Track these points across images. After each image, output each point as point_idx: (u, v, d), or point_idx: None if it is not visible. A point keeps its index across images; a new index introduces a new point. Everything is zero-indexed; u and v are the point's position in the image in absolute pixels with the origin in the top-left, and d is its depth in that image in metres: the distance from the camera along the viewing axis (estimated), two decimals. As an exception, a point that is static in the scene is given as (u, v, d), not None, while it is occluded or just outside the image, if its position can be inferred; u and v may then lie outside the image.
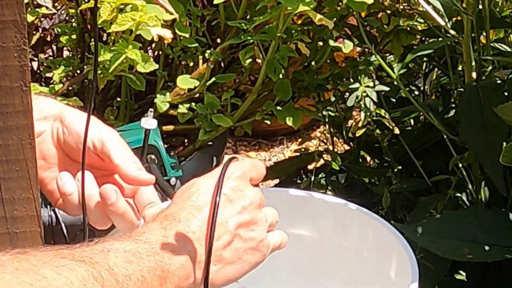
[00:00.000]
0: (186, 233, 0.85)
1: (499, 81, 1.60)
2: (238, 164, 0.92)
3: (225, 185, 0.89)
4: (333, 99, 1.70)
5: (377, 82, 1.52)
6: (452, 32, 1.51)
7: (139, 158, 1.09)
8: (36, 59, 1.77)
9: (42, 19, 1.74)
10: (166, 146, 1.52)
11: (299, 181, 1.77)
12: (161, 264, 0.82)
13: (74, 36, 1.66)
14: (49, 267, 0.75)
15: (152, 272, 0.80)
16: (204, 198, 0.88)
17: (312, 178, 1.70)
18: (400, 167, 1.67)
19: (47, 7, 1.56)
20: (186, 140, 1.64)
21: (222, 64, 1.72)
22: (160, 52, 1.65)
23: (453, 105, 1.75)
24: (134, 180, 0.96)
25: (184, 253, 0.84)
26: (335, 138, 1.85)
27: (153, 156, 1.31)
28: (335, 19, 1.54)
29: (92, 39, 1.62)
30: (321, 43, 1.65)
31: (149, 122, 1.17)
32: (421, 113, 1.70)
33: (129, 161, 0.97)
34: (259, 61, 1.56)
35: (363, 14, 1.64)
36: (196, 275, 0.85)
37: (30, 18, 1.59)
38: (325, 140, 1.84)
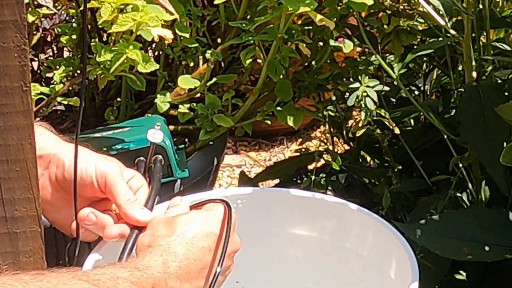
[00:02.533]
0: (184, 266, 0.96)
1: (499, 81, 1.60)
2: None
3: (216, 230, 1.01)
4: (333, 98, 1.70)
5: (377, 82, 1.52)
6: (452, 32, 1.51)
7: (143, 166, 1.15)
8: (36, 59, 1.77)
9: (43, 19, 1.74)
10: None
11: (299, 181, 1.77)
12: None
13: (74, 36, 1.66)
14: None
15: None
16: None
17: (312, 178, 1.70)
18: (400, 167, 1.67)
19: (47, 7, 1.55)
20: (186, 140, 1.64)
21: (222, 64, 1.72)
22: (161, 52, 1.65)
23: (453, 105, 1.75)
24: (133, 221, 1.06)
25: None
26: (335, 138, 1.85)
27: (160, 156, 1.31)
28: (335, 19, 1.54)
29: (93, 39, 1.62)
30: (321, 43, 1.65)
31: (155, 135, 1.17)
32: (421, 113, 1.70)
33: (130, 202, 1.06)
34: (259, 61, 1.56)
35: (363, 14, 1.64)
36: None
37: (30, 18, 1.59)
38: (325, 140, 1.84)
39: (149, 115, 1.59)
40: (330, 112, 1.71)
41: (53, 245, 1.30)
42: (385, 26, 1.66)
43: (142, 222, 1.05)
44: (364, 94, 1.50)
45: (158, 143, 1.21)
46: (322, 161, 1.74)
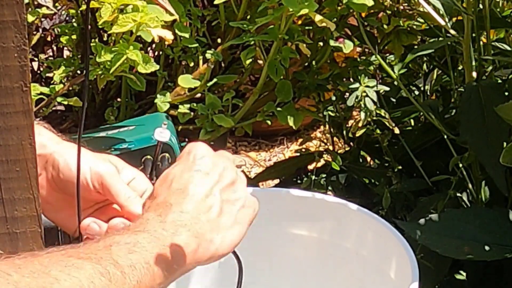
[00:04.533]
0: (181, 213, 0.90)
1: (499, 81, 1.60)
2: (199, 145, 0.98)
3: (196, 164, 0.95)
4: (333, 98, 1.71)
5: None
6: (453, 32, 1.51)
7: (150, 164, 1.13)
8: (36, 59, 1.77)
9: (43, 19, 1.74)
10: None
11: (299, 181, 1.77)
12: (165, 247, 0.86)
13: (74, 37, 1.66)
14: (58, 268, 0.80)
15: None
16: (182, 181, 0.94)
17: (313, 178, 1.70)
18: (400, 167, 1.67)
19: (47, 7, 1.56)
20: (186, 140, 1.64)
21: (222, 64, 1.72)
22: (161, 53, 1.65)
23: (453, 105, 1.75)
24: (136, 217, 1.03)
25: (184, 231, 0.88)
26: (335, 138, 1.85)
27: (167, 155, 1.30)
28: (335, 19, 1.54)
29: (93, 40, 1.62)
30: (321, 44, 1.65)
31: (163, 134, 1.16)
32: (421, 113, 1.70)
33: (131, 199, 1.03)
34: (260, 62, 1.56)
35: (363, 14, 1.64)
36: (203, 245, 0.89)
37: (30, 18, 1.59)
38: (325, 140, 1.84)
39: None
40: (330, 112, 1.71)
41: (58, 245, 1.30)
42: (385, 26, 1.66)
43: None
44: (364, 94, 1.50)
45: (165, 141, 1.21)
46: (322, 161, 1.74)
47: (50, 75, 1.67)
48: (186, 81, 1.56)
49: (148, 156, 1.22)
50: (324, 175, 1.73)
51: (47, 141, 1.07)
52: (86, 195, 1.07)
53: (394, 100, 1.78)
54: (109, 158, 1.09)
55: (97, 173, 1.05)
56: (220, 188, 0.94)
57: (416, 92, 1.82)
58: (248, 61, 1.54)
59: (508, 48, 1.56)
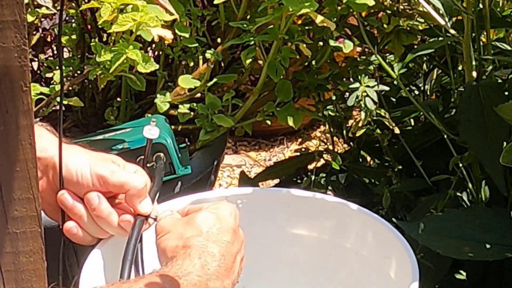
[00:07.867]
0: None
1: (499, 81, 1.60)
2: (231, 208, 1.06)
3: (231, 224, 1.03)
4: (333, 98, 1.70)
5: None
6: (453, 31, 1.51)
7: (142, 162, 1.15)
8: (36, 59, 1.77)
9: (42, 19, 1.74)
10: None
11: (299, 181, 1.77)
12: None
13: (74, 37, 1.66)
14: None
15: None
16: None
17: (312, 178, 1.70)
18: (400, 167, 1.67)
19: (47, 7, 1.55)
20: (186, 140, 1.64)
21: (222, 64, 1.72)
22: (160, 52, 1.65)
23: (453, 105, 1.75)
24: (137, 211, 1.09)
25: None
26: (335, 138, 1.85)
27: (161, 154, 1.30)
28: (335, 19, 1.54)
29: (93, 39, 1.62)
30: (321, 43, 1.65)
31: (151, 132, 1.17)
32: (421, 113, 1.70)
33: (136, 191, 1.08)
34: (260, 61, 1.56)
35: (363, 14, 1.64)
36: None
37: (30, 19, 1.59)
38: (325, 140, 1.84)
39: (149, 115, 1.59)
40: (330, 112, 1.71)
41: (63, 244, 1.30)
42: (385, 26, 1.66)
43: (143, 213, 1.07)
44: (364, 94, 1.50)
45: (156, 140, 1.21)
46: (322, 161, 1.74)
47: (50, 75, 1.67)
48: (186, 82, 1.56)
49: (143, 156, 1.23)
50: (324, 175, 1.73)
51: (48, 144, 1.09)
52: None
53: (394, 100, 1.78)
54: (110, 157, 1.11)
55: (98, 174, 1.07)
56: (241, 257, 1.04)
57: (416, 92, 1.82)
58: (248, 61, 1.54)
59: (508, 48, 1.56)
